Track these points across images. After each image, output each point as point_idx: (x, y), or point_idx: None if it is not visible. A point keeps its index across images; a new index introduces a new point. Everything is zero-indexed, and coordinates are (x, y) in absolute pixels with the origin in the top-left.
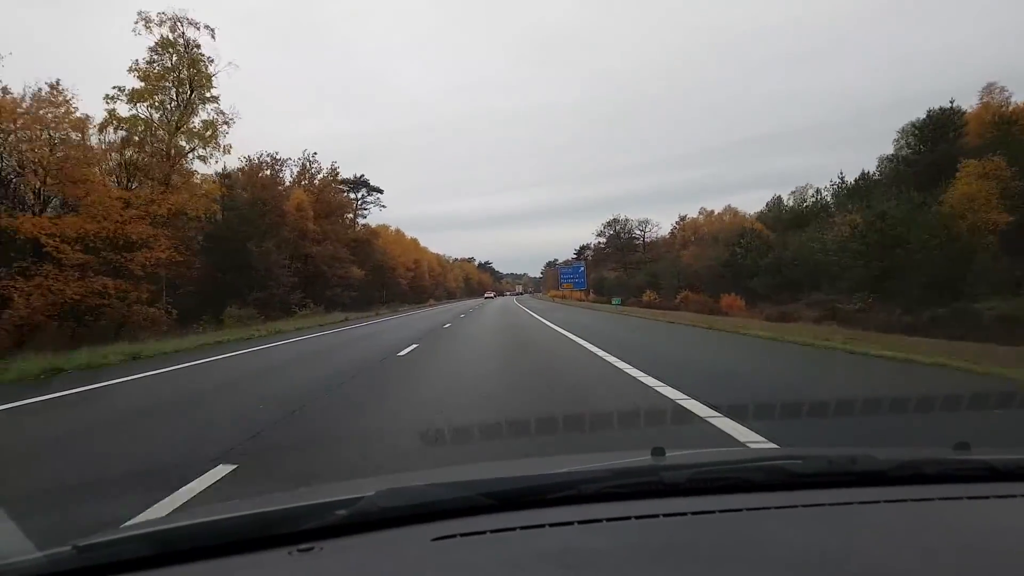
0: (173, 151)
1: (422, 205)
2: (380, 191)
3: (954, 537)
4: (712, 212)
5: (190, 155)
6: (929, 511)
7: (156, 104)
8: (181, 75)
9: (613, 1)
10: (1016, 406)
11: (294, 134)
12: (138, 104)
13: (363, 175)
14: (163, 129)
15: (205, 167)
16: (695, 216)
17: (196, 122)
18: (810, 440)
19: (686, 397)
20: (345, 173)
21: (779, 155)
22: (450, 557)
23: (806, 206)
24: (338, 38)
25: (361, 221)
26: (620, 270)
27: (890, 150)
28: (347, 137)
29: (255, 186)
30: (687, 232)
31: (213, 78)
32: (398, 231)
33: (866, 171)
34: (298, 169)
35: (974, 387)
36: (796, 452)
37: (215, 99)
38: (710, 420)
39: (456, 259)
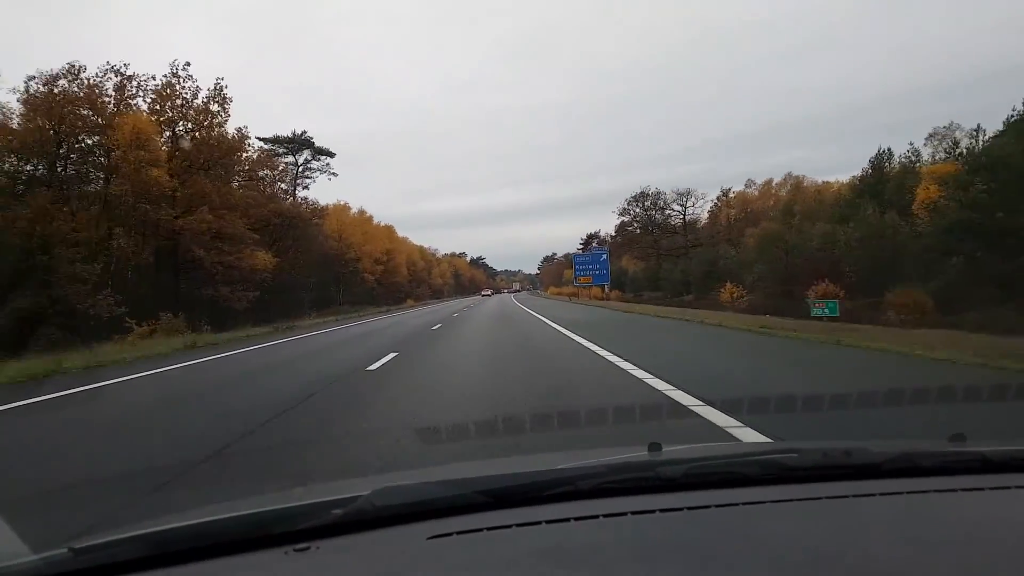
0: None
1: (414, 204)
2: (331, 155)
3: (949, 529)
4: (770, 181)
5: None
6: (924, 503)
7: None
8: None
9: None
10: None
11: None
12: None
13: (304, 132)
14: None
15: None
16: (741, 189)
17: None
18: None
19: None
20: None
21: (777, 150)
22: (446, 555)
23: (959, 152)
24: (328, 41)
25: (304, 193)
26: (652, 259)
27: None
28: (338, 138)
29: (54, 108)
30: (733, 209)
31: None
32: (362, 212)
33: None
34: (158, 89)
35: None
36: (791, 446)
37: None
38: None
39: (445, 254)
